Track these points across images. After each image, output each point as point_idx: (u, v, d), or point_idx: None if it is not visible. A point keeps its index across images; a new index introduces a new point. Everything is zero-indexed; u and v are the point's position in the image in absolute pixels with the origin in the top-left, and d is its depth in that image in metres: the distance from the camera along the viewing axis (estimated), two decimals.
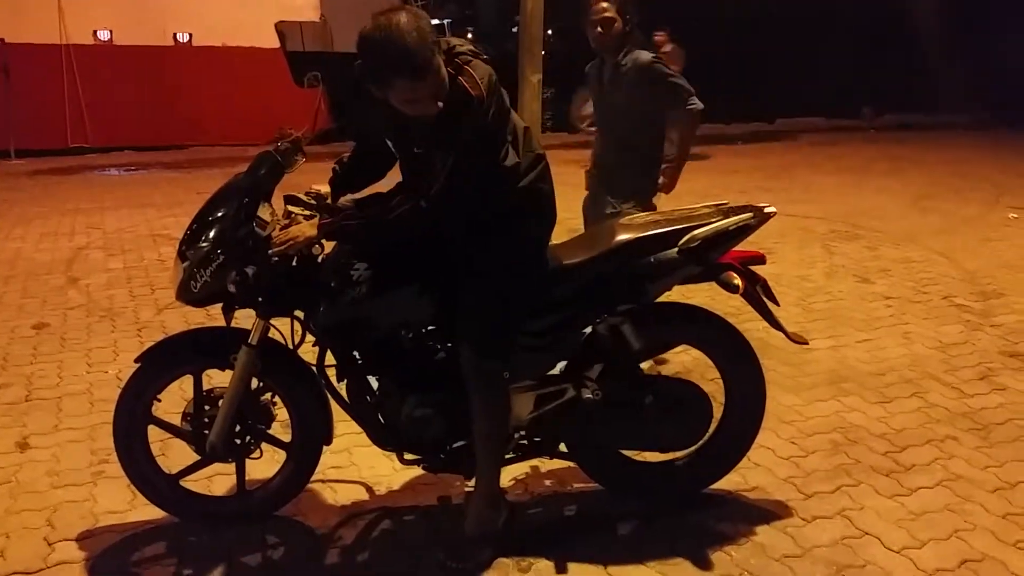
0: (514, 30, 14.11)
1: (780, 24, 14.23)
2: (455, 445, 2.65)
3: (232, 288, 2.42)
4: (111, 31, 11.22)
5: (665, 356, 3.67)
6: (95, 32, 11.19)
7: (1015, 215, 7.47)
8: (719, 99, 13.65)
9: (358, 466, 3.09)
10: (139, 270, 5.64)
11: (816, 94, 14.62)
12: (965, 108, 14.66)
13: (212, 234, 2.42)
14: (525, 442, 2.71)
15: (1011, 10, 14.62)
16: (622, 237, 2.55)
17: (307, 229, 2.38)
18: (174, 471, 2.73)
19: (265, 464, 2.75)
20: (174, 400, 2.78)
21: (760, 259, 2.68)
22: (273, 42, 11.97)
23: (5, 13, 10.50)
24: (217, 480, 2.94)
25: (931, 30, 14.86)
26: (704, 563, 2.57)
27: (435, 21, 2.38)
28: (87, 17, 11.01)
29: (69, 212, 7.52)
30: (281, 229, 2.42)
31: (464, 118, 2.21)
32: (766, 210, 2.57)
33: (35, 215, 7.43)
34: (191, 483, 2.77)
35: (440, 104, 2.19)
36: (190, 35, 11.64)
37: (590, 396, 2.62)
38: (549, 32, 13.83)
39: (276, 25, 12.07)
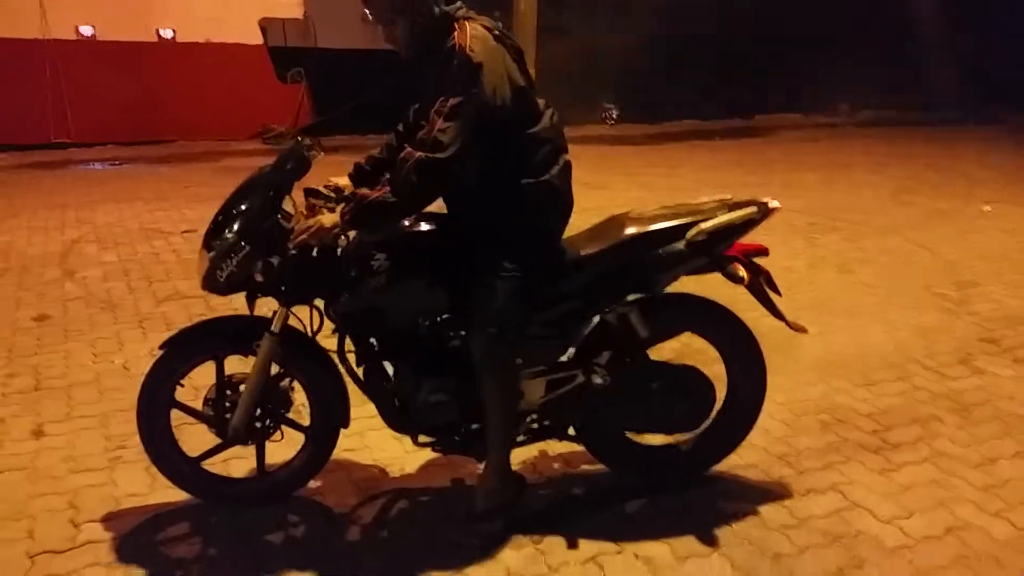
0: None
1: (757, 20, 14.41)
2: (468, 428, 2.76)
3: (259, 277, 2.52)
4: (94, 27, 11.18)
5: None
6: (77, 28, 11.14)
7: (989, 208, 7.69)
8: (697, 95, 13.82)
9: (371, 449, 3.20)
10: (134, 263, 5.69)
11: (793, 90, 14.83)
12: (939, 104, 14.95)
13: (238, 226, 2.50)
14: (536, 425, 2.84)
15: (986, 7, 14.95)
16: (632, 230, 2.66)
17: (328, 219, 2.47)
18: (191, 455, 2.83)
19: (283, 447, 2.85)
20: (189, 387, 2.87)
21: (763, 251, 2.81)
22: (257, 39, 11.98)
23: None
24: (233, 463, 3.02)
25: (907, 27, 15.11)
26: (708, 536, 2.71)
27: None
28: (69, 13, 10.95)
29: (57, 206, 7.52)
30: (304, 226, 2.50)
31: (452, 66, 2.33)
32: (770, 204, 2.70)
33: (22, 208, 7.42)
34: (210, 465, 2.87)
35: (408, 50, 2.43)
36: (174, 31, 11.63)
37: (599, 381, 2.73)
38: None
39: (259, 21, 12.08)
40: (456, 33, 2.37)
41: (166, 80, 11.42)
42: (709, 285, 2.87)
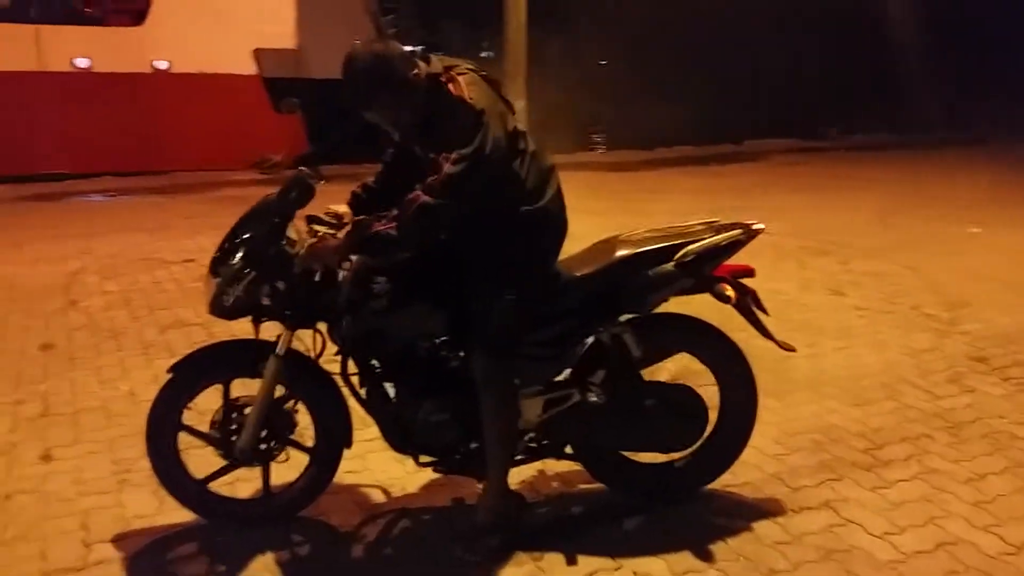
0: (482, 55, 14.33)
1: (746, 46, 14.63)
2: (468, 447, 2.83)
3: (265, 301, 2.60)
4: (90, 59, 11.31)
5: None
6: (73, 60, 11.27)
7: (977, 230, 7.81)
8: (689, 121, 13.99)
9: (372, 470, 3.26)
10: (136, 292, 5.76)
11: (783, 115, 15.02)
12: (925, 127, 15.16)
13: (244, 252, 2.59)
14: (534, 445, 2.91)
15: (972, 30, 15.23)
16: (623, 252, 2.76)
17: (332, 243, 2.57)
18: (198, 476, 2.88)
19: (288, 468, 2.91)
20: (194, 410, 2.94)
21: (750, 272, 2.91)
22: (251, 69, 12.13)
23: None
24: (239, 485, 3.07)
25: (894, 50, 15.37)
26: (704, 552, 2.77)
27: (408, 48, 2.61)
28: (64, 46, 11.08)
29: (59, 237, 7.58)
30: (309, 245, 2.60)
31: (457, 116, 2.43)
32: (754, 227, 2.81)
33: (24, 240, 7.48)
34: (217, 487, 2.92)
35: (418, 121, 2.51)
36: (169, 63, 11.77)
37: (595, 400, 2.82)
38: None
39: (254, 52, 12.24)
40: (451, 85, 2.48)
41: (162, 111, 11.53)
42: (699, 307, 2.95)
